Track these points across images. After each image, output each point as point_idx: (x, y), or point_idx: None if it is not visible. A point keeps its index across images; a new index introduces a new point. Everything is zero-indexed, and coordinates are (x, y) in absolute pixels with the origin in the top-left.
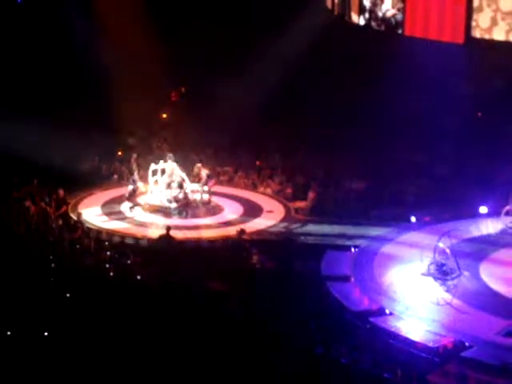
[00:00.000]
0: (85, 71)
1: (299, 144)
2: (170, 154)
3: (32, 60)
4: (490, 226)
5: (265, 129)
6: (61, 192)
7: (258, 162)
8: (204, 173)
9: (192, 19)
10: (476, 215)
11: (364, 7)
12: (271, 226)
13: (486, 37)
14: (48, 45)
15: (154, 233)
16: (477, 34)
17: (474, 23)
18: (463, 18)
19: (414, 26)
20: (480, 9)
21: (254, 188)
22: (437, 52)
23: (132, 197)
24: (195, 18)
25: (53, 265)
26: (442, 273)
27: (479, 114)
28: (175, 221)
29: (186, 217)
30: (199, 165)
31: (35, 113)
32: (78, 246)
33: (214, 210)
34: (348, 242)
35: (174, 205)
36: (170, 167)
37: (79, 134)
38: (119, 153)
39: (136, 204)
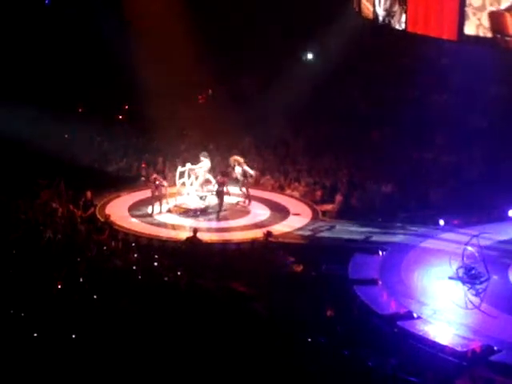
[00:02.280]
0: (114, 72)
1: (325, 146)
2: (205, 152)
3: (61, 61)
4: None
5: (292, 131)
6: (88, 194)
7: (284, 165)
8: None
9: (222, 21)
10: (505, 218)
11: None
12: (298, 229)
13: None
14: (79, 44)
15: (181, 235)
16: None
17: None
18: (456, 16)
19: (415, 24)
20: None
21: (280, 190)
22: (465, 53)
23: (159, 198)
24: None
25: (80, 267)
26: (470, 276)
27: None
28: (202, 223)
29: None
30: (236, 157)
31: (63, 112)
32: (105, 248)
33: (241, 212)
34: (375, 245)
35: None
36: (205, 165)
37: (107, 134)
38: (146, 155)
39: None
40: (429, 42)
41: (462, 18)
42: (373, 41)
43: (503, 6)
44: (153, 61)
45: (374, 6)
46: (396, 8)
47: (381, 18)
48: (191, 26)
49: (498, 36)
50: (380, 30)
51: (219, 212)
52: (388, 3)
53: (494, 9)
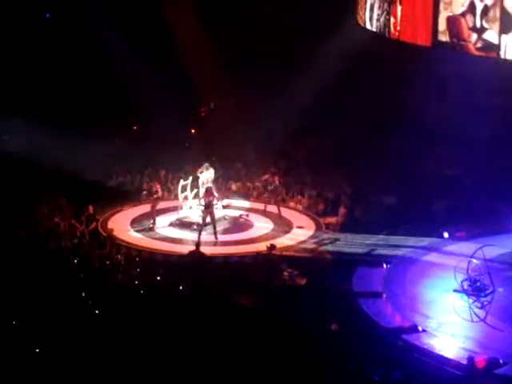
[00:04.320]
0: (115, 84)
1: (328, 159)
2: (206, 164)
3: (62, 74)
4: None
5: (294, 144)
6: (90, 208)
7: (286, 178)
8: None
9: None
10: (509, 230)
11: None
12: (301, 242)
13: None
14: (79, 57)
15: (184, 249)
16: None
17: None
18: (430, 22)
19: (396, 30)
20: None
21: (283, 203)
22: (466, 63)
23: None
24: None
25: (82, 281)
26: (475, 289)
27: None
28: (205, 237)
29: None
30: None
31: (64, 126)
32: (107, 263)
33: (244, 226)
34: (380, 258)
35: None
36: (207, 176)
37: (108, 148)
38: (148, 168)
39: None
40: (430, 53)
41: (436, 23)
42: (374, 51)
43: (459, 10)
44: (154, 73)
45: (365, 13)
46: (384, 14)
47: (373, 26)
48: (194, 39)
49: (455, 40)
50: (381, 39)
51: (215, 231)
52: (378, 10)
53: (450, 13)
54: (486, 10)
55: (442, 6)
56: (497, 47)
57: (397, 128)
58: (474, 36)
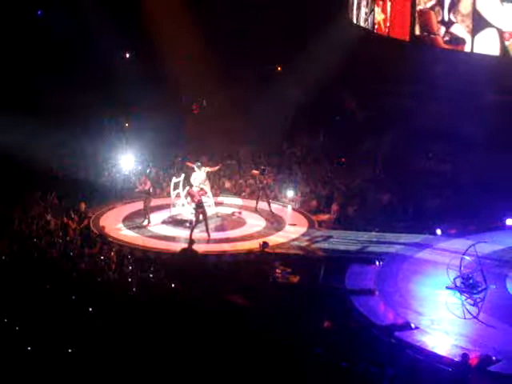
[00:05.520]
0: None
1: (321, 156)
2: (199, 163)
3: (53, 73)
4: None
5: (286, 142)
6: (82, 205)
7: (279, 175)
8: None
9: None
10: (502, 227)
11: None
12: (294, 239)
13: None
14: (71, 55)
15: (177, 246)
16: None
17: None
18: (409, 16)
19: (387, 27)
20: None
21: (275, 200)
22: (461, 61)
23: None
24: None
25: (74, 279)
26: (468, 286)
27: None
28: (197, 234)
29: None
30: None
31: (56, 124)
32: (99, 261)
33: (237, 224)
34: (372, 255)
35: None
36: (200, 174)
37: (101, 146)
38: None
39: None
40: (424, 51)
41: (413, 18)
42: (368, 49)
43: (428, 4)
44: (147, 71)
45: (353, 9)
46: (368, 11)
47: (361, 21)
48: (185, 38)
49: (425, 33)
50: (374, 38)
51: (207, 228)
52: (366, 9)
53: (421, 7)
54: (453, 4)
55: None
56: (463, 40)
57: (390, 125)
58: (443, 29)
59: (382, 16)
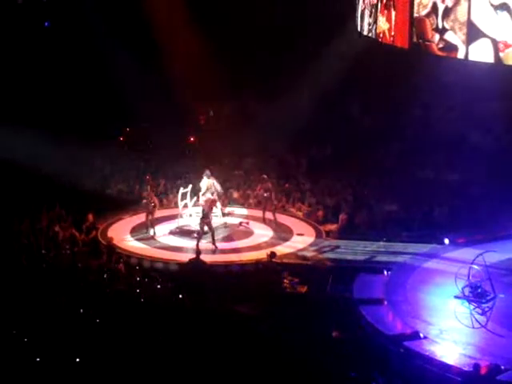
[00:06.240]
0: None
1: (328, 165)
2: (207, 172)
3: (61, 83)
4: None
5: (293, 152)
6: (90, 217)
7: (286, 185)
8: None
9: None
10: (510, 236)
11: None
12: (302, 249)
13: None
14: (79, 66)
15: (184, 257)
16: None
17: None
18: (407, 24)
19: (392, 36)
20: None
21: (283, 211)
22: (467, 70)
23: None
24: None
25: (83, 290)
26: (476, 295)
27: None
28: (205, 244)
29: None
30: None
31: (63, 135)
32: (107, 272)
33: (244, 234)
34: (380, 265)
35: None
36: (207, 183)
37: (108, 157)
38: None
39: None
40: (431, 60)
41: (411, 25)
42: (375, 58)
43: (423, 12)
44: (154, 82)
45: (356, 18)
46: (372, 21)
47: (365, 31)
48: (191, 48)
49: (420, 41)
50: (381, 46)
51: (213, 239)
52: (370, 19)
53: (417, 15)
54: (447, 12)
55: (415, 8)
56: (455, 47)
57: (397, 134)
58: (437, 36)
59: (387, 25)
